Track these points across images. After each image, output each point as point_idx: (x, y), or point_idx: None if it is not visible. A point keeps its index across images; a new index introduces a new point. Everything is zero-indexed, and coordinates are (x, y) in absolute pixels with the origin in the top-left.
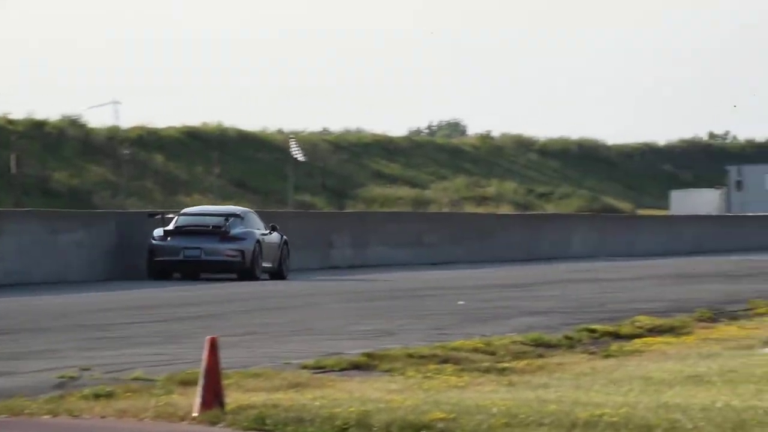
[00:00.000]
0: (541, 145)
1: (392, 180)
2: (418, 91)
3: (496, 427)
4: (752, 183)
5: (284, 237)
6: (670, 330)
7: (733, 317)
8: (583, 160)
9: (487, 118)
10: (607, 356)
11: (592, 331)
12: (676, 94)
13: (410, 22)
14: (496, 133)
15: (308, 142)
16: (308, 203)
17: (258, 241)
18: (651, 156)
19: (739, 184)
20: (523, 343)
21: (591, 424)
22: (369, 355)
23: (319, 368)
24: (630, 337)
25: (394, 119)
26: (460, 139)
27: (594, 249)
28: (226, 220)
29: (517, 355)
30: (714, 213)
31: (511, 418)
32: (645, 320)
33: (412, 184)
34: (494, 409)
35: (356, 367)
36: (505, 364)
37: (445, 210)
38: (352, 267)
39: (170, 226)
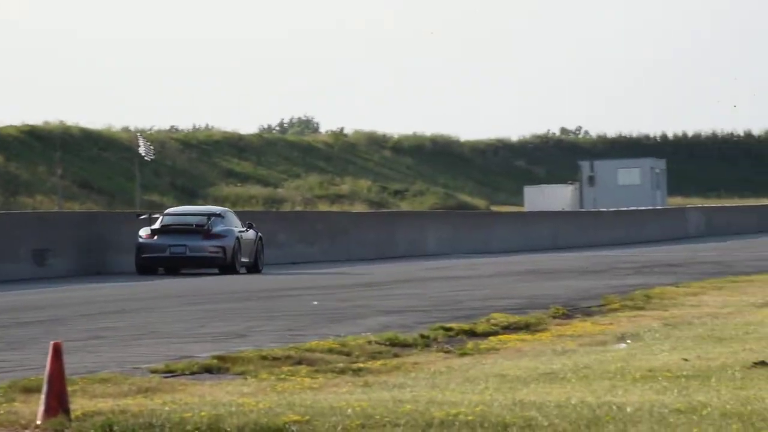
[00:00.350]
0: (394, 142)
1: (243, 178)
2: (269, 88)
3: (351, 429)
4: (604, 178)
5: (259, 234)
6: (526, 327)
7: (588, 313)
8: (436, 156)
9: (340, 115)
10: (463, 354)
11: (448, 329)
12: (528, 89)
13: (261, 18)
14: (348, 130)
15: (156, 140)
16: (157, 203)
17: (237, 238)
18: (504, 152)
19: (591, 180)
20: (378, 343)
21: (446, 423)
22: (221, 358)
23: (169, 372)
24: (486, 334)
25: (245, 116)
26: (313, 136)
27: (449, 246)
28: (208, 219)
29: (373, 355)
30: (568, 209)
31: (366, 419)
32: (500, 317)
33: (264, 182)
34: (349, 411)
35: (207, 370)
36: (361, 365)
37: (298, 209)
38: None
39: (156, 225)
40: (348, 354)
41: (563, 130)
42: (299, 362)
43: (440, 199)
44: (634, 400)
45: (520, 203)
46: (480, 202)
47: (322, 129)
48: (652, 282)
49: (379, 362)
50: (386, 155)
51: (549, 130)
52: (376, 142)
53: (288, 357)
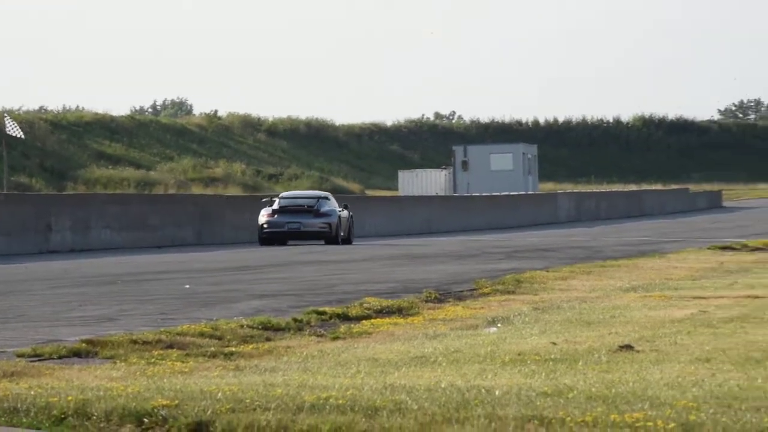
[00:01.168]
0: (269, 125)
1: (115, 161)
2: (142, 70)
3: (221, 413)
4: (478, 163)
5: (351, 213)
6: (399, 311)
7: (460, 297)
8: (311, 140)
9: (214, 97)
10: (336, 338)
11: (321, 313)
12: (403, 74)
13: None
14: (222, 112)
15: (25, 121)
16: (25, 185)
17: (339, 217)
18: (379, 136)
19: (465, 165)
20: (250, 327)
21: (317, 407)
22: (90, 342)
23: (36, 356)
24: (359, 318)
25: (116, 98)
26: (186, 118)
27: None
28: (317, 201)
29: (245, 339)
30: (441, 193)
31: (236, 403)
32: (373, 301)
33: (137, 165)
34: (219, 394)
35: (76, 354)
36: (232, 349)
37: (172, 192)
38: (74, 251)
39: (275, 206)
40: (219, 338)
41: (437, 115)
42: (170, 346)
43: (315, 182)
44: (503, 384)
45: (395, 187)
46: (355, 186)
47: (196, 111)
48: (523, 266)
49: (250, 346)
50: (261, 138)
51: (423, 115)
52: (251, 125)
53: (159, 341)
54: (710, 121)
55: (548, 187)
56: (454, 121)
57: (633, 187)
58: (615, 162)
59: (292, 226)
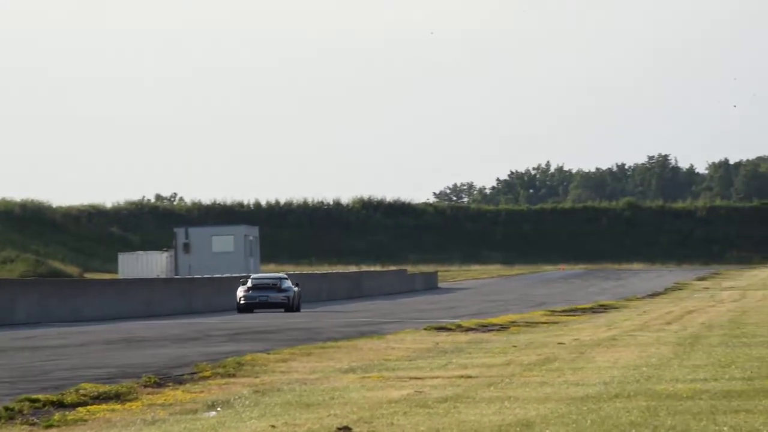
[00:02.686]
0: None
1: None
2: None
3: None
4: (199, 245)
5: (299, 288)
6: (116, 397)
7: (180, 381)
8: (27, 222)
9: None
10: (49, 426)
11: (34, 401)
12: (123, 156)
13: None
14: None
15: None
16: None
17: (294, 291)
18: (98, 218)
19: (186, 246)
20: None
21: None
22: None
23: None
24: (74, 405)
25: None
26: None
27: (39, 315)
28: (279, 280)
29: None
30: (163, 275)
31: None
32: (90, 387)
33: None
34: None
35: None
36: None
37: None
38: None
39: (249, 284)
40: None
41: (158, 197)
42: None
43: (31, 266)
44: None
45: (115, 270)
46: (73, 269)
47: None
48: (244, 349)
49: None
50: None
51: (144, 196)
52: None
53: None
54: (426, 204)
55: (270, 268)
56: (175, 203)
57: (353, 269)
58: (335, 243)
59: (261, 299)
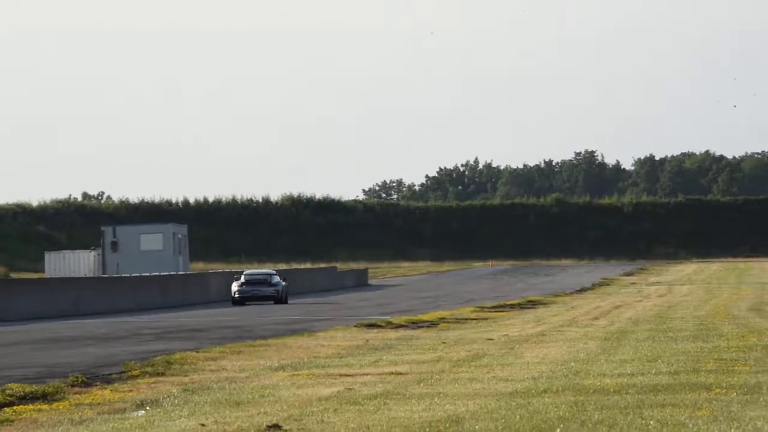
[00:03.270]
0: None
1: None
2: None
3: None
4: (127, 243)
5: (286, 282)
6: (43, 397)
7: (108, 381)
8: None
9: None
10: None
11: None
12: (50, 153)
13: None
14: None
15: None
16: None
17: (282, 285)
18: (24, 217)
19: (114, 245)
20: None
21: None
22: None
23: None
24: (0, 406)
25: None
26: None
27: None
28: (269, 276)
29: None
30: (90, 274)
31: None
32: (16, 387)
33: None
34: None
35: None
36: None
37: None
38: None
39: (242, 279)
40: None
41: (85, 195)
42: None
43: None
44: None
45: (42, 269)
46: None
47: None
48: (173, 347)
49: None
50: None
51: (71, 195)
52: None
53: None
54: (355, 201)
55: (199, 266)
56: (103, 202)
57: (283, 266)
58: (265, 241)
59: (254, 292)
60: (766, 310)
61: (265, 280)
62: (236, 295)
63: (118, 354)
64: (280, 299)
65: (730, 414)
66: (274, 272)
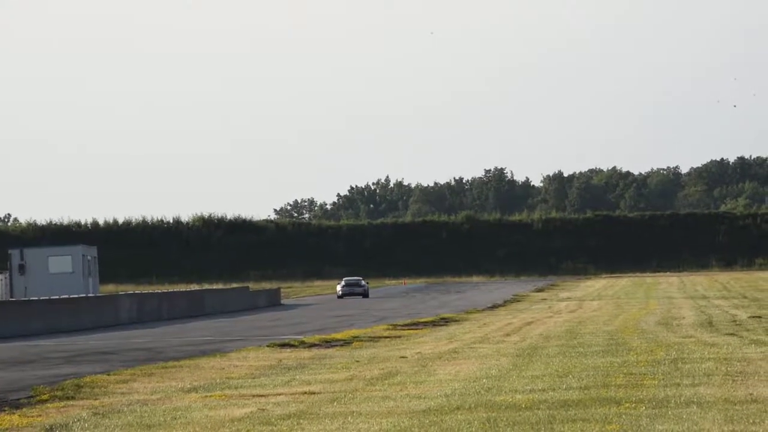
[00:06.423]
0: None
1: None
2: None
3: None
4: (35, 266)
5: (368, 283)
6: None
7: (16, 406)
8: None
9: None
10: None
11: None
12: None
13: None
14: None
15: None
16: None
17: (366, 286)
18: None
19: (21, 268)
20: None
21: None
22: None
23: None
24: None
25: None
26: None
27: None
28: (360, 280)
29: None
30: None
31: None
32: None
33: None
34: None
35: None
36: None
37: None
38: None
39: (343, 283)
40: None
41: None
42: None
43: None
44: None
45: None
46: None
47: None
48: (83, 371)
49: None
50: None
51: None
52: None
53: None
54: (267, 221)
55: (109, 288)
56: (9, 224)
57: (195, 287)
58: (176, 262)
59: (351, 290)
60: (674, 325)
61: (357, 284)
62: (340, 293)
63: (27, 378)
64: (365, 295)
65: (639, 428)
66: (361, 278)
